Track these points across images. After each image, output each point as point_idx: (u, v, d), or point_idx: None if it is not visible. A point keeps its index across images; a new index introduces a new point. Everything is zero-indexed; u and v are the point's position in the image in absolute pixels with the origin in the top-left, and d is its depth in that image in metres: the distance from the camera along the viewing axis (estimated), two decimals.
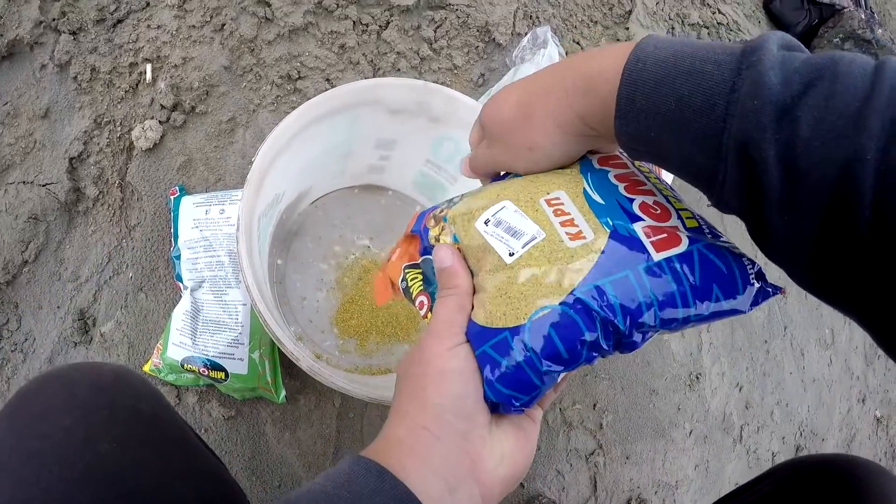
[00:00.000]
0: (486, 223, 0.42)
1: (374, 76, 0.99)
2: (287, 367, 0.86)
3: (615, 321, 0.37)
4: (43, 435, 0.44)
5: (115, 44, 0.94)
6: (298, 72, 0.96)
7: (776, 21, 1.33)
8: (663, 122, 0.34)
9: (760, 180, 0.31)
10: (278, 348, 0.83)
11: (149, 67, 0.94)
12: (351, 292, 0.89)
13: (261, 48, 0.96)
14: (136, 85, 0.94)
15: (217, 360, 0.78)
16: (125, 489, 0.44)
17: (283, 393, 0.81)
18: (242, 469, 0.85)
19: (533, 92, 0.43)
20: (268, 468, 0.86)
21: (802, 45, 0.34)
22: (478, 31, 1.02)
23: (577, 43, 1.09)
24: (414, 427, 0.38)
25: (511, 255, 0.40)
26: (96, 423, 0.45)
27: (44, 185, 0.89)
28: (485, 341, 0.39)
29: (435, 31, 1.01)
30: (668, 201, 0.41)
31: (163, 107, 0.92)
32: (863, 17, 1.22)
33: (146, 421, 0.49)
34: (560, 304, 0.37)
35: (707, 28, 1.18)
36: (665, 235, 0.38)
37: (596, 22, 1.10)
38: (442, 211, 0.46)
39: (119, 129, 0.93)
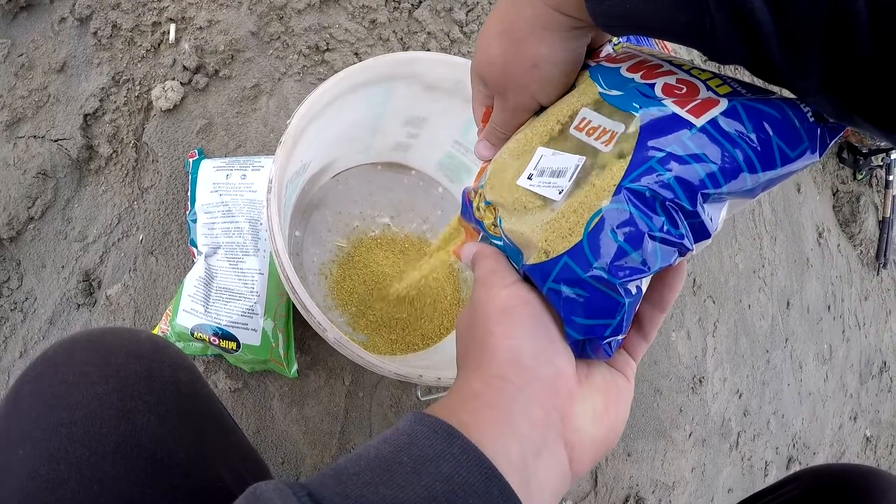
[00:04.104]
0: (529, 178, 0.39)
1: None
2: (298, 342, 0.84)
3: (676, 199, 0.32)
4: (73, 404, 0.40)
5: (138, 1, 0.91)
6: (327, 43, 0.94)
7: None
8: None
9: (749, 20, 0.29)
10: (293, 321, 0.81)
11: (172, 28, 0.92)
12: (367, 271, 0.87)
13: (290, 16, 0.94)
14: (159, 45, 0.91)
15: (229, 330, 0.76)
16: (161, 465, 0.41)
17: (295, 367, 0.79)
18: None
19: (505, 16, 0.40)
20: (272, 444, 0.84)
21: None
22: None
23: None
24: (490, 378, 0.32)
25: (560, 192, 0.37)
26: (133, 393, 0.42)
27: (55, 141, 0.87)
28: (546, 277, 0.35)
29: (466, 15, 1.00)
30: (693, 75, 0.37)
31: (185, 68, 0.90)
32: None
33: (184, 393, 0.46)
34: (611, 202, 0.33)
35: None
36: (699, 102, 0.34)
37: None
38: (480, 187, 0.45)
39: (138, 88, 0.90)
